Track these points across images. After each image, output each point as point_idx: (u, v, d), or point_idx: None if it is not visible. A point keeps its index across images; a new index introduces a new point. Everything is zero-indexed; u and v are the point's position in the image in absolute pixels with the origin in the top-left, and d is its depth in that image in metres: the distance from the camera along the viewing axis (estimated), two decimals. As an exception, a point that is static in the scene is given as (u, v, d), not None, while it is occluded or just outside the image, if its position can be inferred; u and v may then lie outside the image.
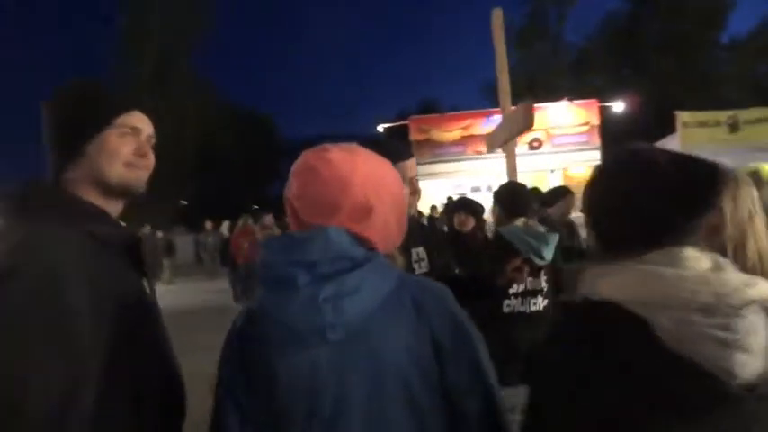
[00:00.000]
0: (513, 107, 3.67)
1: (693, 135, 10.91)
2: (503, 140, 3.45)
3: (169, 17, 24.84)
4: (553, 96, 15.88)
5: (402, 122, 16.63)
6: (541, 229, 2.89)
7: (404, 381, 0.96)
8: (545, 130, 14.10)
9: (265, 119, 42.02)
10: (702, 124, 11.24)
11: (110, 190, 1.16)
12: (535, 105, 12.84)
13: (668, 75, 21.55)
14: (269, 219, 9.03)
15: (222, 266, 14.05)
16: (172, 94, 24.19)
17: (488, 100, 25.57)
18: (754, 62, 23.57)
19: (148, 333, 1.18)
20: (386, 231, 1.04)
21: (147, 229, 14.60)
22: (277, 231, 8.56)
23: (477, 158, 14.29)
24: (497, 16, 3.49)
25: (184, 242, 23.05)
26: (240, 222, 9.77)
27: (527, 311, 2.76)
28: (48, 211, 1.07)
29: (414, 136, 14.60)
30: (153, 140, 1.26)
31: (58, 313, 0.95)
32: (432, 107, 28.72)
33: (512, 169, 3.56)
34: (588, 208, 1.02)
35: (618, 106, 15.45)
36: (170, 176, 23.60)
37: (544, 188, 16.90)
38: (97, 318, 1.00)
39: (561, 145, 14.15)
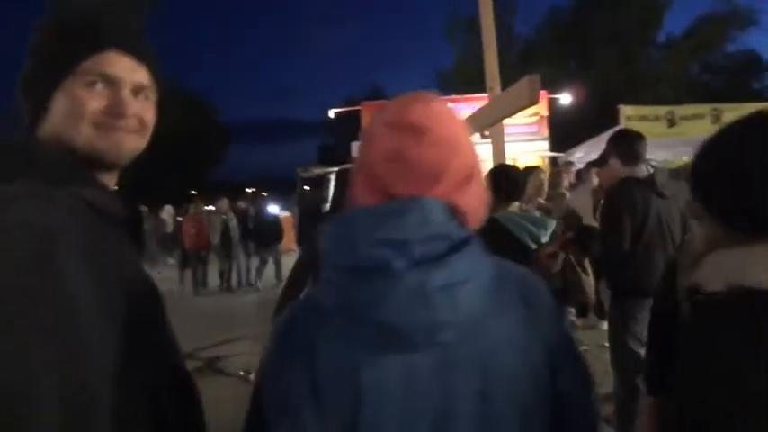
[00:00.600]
0: (500, 91, 3.55)
1: (635, 128, 11.33)
2: (497, 118, 3.31)
3: None
4: (503, 86, 16.06)
5: (354, 108, 16.41)
6: (537, 213, 2.82)
7: (516, 388, 0.79)
8: (497, 119, 14.26)
9: (206, 102, 40.40)
10: (644, 118, 11.70)
11: (79, 157, 0.86)
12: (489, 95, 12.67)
13: (611, 69, 22.44)
14: (223, 202, 8.60)
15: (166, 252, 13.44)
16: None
17: (437, 88, 25.71)
18: (687, 61, 24.91)
19: (157, 325, 0.93)
20: (478, 202, 0.85)
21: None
22: (231, 216, 8.16)
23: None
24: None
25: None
26: (192, 208, 9.25)
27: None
28: (19, 167, 0.78)
29: (366, 121, 14.39)
30: (150, 93, 0.95)
31: (56, 303, 0.69)
32: (379, 94, 28.59)
33: (500, 152, 3.45)
34: (705, 180, 0.91)
35: (565, 98, 15.84)
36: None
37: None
38: (104, 306, 0.75)
39: (512, 134, 14.30)
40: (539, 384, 0.82)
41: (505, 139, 15.52)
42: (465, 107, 14.25)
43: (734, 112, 11.50)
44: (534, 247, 2.67)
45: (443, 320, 0.73)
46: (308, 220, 7.46)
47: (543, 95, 14.72)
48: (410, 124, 0.80)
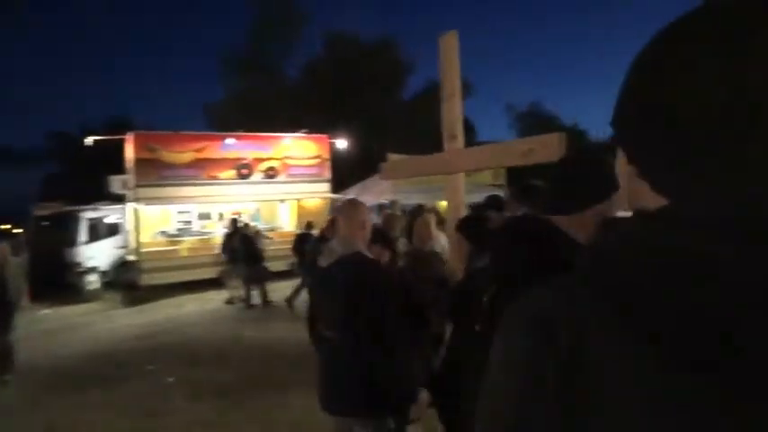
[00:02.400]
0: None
1: (402, 174, 12.82)
2: (509, 165, 3.13)
3: None
4: (270, 127, 16.37)
5: (118, 137, 14.55)
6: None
7: None
8: (281, 159, 14.36)
9: None
10: (409, 165, 13.32)
11: None
12: (277, 134, 12.99)
13: (369, 121, 24.81)
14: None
15: None
16: None
17: (205, 123, 24.57)
18: (424, 116, 29.34)
19: None
20: None
21: None
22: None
23: (211, 184, 13.51)
24: (451, 39, 3.22)
25: None
26: None
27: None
28: None
29: (138, 154, 12.84)
30: None
31: None
32: (124, 124, 25.77)
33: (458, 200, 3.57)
34: None
35: (341, 143, 17.01)
36: None
37: (276, 216, 16.57)
38: None
39: (295, 175, 14.63)
40: None
41: (288, 179, 15.91)
42: (250, 145, 14.01)
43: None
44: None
45: None
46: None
47: (325, 139, 15.45)
48: None
